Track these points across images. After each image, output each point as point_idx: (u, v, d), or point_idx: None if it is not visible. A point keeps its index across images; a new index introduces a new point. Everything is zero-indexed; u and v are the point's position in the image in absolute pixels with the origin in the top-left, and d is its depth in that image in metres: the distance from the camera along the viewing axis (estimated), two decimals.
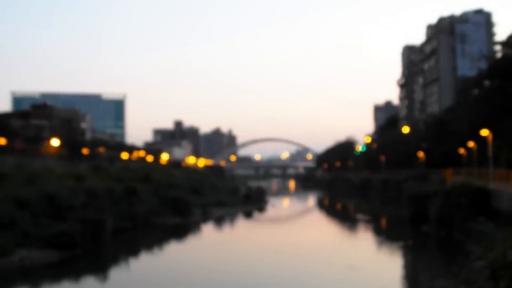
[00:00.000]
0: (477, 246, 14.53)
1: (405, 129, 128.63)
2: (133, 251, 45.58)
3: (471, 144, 64.05)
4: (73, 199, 48.04)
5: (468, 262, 14.04)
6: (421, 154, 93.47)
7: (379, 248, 48.89)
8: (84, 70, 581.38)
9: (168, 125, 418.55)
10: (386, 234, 59.69)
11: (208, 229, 62.49)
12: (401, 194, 70.74)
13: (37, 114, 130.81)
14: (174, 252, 47.33)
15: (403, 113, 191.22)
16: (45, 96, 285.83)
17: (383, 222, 70.25)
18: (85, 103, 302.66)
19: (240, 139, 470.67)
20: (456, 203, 45.54)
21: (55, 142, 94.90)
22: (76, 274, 35.08)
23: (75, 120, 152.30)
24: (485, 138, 54.21)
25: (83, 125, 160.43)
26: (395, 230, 60.03)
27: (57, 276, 34.13)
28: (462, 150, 70.44)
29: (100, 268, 38.17)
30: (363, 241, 53.94)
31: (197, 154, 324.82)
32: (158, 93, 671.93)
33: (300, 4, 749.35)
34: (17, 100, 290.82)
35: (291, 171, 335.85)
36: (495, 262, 12.96)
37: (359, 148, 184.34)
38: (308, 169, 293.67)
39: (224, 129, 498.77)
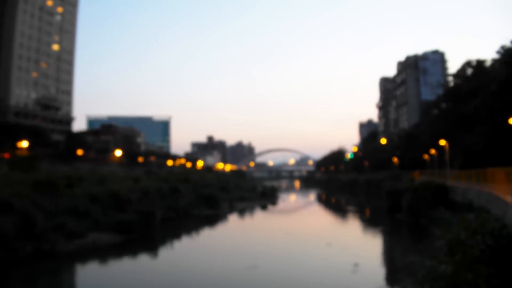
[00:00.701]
0: (438, 229, 14.60)
1: (383, 141, 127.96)
2: (177, 235, 45.84)
3: (432, 151, 63.72)
4: (131, 195, 48.73)
5: (431, 241, 14.12)
6: (395, 159, 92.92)
7: (364, 231, 48.90)
8: (139, 98, 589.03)
9: (203, 139, 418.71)
10: (369, 221, 59.45)
11: (233, 218, 62.59)
12: (380, 190, 70.37)
13: (105, 132, 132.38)
14: (208, 235, 47.55)
15: (381, 128, 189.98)
16: (111, 118, 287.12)
17: (367, 212, 69.82)
18: (140, 124, 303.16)
19: (257, 149, 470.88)
20: (422, 197, 45.45)
21: (118, 153, 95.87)
22: (133, 252, 35.60)
23: (133, 136, 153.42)
24: (443, 146, 54.07)
25: (139, 140, 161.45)
26: (376, 218, 59.76)
27: (120, 253, 34.74)
28: (426, 156, 70.04)
29: (152, 248, 38.51)
30: (352, 226, 53.96)
31: (225, 161, 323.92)
32: (195, 115, 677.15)
33: (299, 46, 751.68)
34: (91, 121, 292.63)
35: (296, 173, 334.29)
36: (451, 241, 13.13)
37: (348, 155, 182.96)
38: (309, 172, 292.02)
39: (245, 141, 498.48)
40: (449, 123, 59.95)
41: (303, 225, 55.04)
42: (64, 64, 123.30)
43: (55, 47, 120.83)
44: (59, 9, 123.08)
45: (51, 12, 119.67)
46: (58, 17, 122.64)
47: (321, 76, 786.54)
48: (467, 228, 13.54)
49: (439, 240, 14.32)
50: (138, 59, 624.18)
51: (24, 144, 64.65)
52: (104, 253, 34.07)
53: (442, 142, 53.69)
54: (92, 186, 49.60)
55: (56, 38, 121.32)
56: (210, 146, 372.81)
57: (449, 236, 13.78)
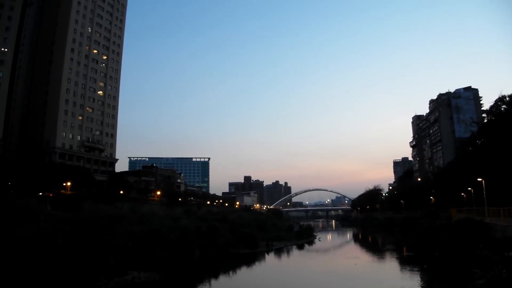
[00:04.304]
0: (478, 267, 13.89)
1: (418, 179, 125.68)
2: (215, 274, 45.21)
3: (469, 188, 62.02)
4: (171, 234, 48.72)
5: (472, 280, 13.44)
6: (431, 197, 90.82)
7: (403, 270, 47.14)
8: (179, 140, 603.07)
9: (240, 179, 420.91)
10: (408, 259, 57.42)
11: (270, 258, 61.60)
12: (418, 228, 68.43)
13: (146, 173, 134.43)
14: (246, 275, 46.79)
15: (416, 166, 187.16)
16: (152, 159, 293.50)
17: (405, 250, 67.73)
18: (180, 164, 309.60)
19: (293, 189, 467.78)
20: (461, 234, 43.96)
21: (158, 193, 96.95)
22: None
23: (173, 177, 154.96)
24: (479, 183, 52.52)
25: (179, 180, 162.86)
26: (414, 257, 57.79)
27: None
28: (462, 193, 68.13)
29: (190, 286, 37.99)
30: (391, 265, 52.28)
31: (262, 201, 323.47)
32: (233, 156, 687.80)
33: (335, 88, 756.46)
34: (132, 162, 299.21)
35: (332, 213, 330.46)
36: (493, 279, 12.44)
37: (384, 194, 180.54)
38: (345, 211, 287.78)
39: (282, 182, 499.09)
40: (485, 160, 58.35)
41: (342, 265, 53.63)
42: (108, 108, 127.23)
43: (100, 92, 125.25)
44: (104, 57, 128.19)
45: (96, 60, 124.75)
46: (103, 64, 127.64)
47: (356, 117, 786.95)
48: (509, 266, 12.82)
49: (480, 279, 13.61)
50: (178, 103, 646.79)
51: (68, 184, 66.08)
52: None
53: (479, 179, 52.17)
54: (132, 224, 49.96)
55: (101, 84, 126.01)
56: (248, 186, 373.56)
57: (490, 275, 13.06)
